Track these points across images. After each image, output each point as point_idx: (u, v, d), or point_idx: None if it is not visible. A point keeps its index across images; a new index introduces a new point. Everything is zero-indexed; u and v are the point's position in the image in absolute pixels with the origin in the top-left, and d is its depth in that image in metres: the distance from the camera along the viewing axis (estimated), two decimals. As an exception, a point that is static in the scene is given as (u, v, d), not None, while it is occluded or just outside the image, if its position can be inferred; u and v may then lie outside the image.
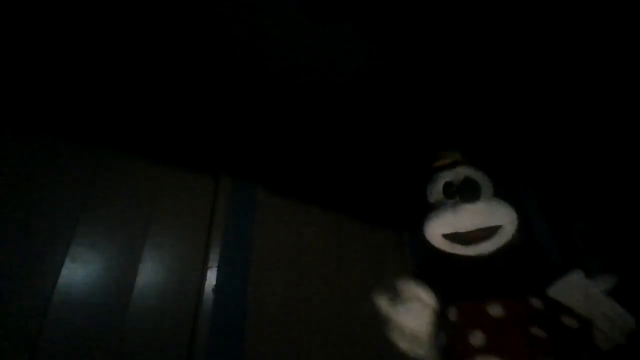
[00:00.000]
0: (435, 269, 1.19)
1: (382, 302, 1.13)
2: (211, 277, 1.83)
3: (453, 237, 1.10)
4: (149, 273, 1.71)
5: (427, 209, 1.18)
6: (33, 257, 1.49)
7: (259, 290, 1.94)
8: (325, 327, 2.07)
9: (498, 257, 1.08)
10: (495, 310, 1.01)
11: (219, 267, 1.86)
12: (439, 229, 1.11)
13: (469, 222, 1.08)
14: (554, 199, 2.14)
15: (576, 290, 1.00)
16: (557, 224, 2.09)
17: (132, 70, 1.75)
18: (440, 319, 1.09)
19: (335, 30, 1.60)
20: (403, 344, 1.09)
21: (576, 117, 1.99)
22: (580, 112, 1.97)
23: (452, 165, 1.24)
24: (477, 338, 0.99)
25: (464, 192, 1.12)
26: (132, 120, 1.97)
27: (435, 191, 1.19)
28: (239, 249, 1.98)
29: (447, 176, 1.20)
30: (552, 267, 1.11)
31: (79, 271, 1.56)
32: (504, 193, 1.22)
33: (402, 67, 1.78)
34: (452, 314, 1.07)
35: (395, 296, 1.12)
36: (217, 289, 1.81)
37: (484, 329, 1.00)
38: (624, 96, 1.84)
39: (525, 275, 1.08)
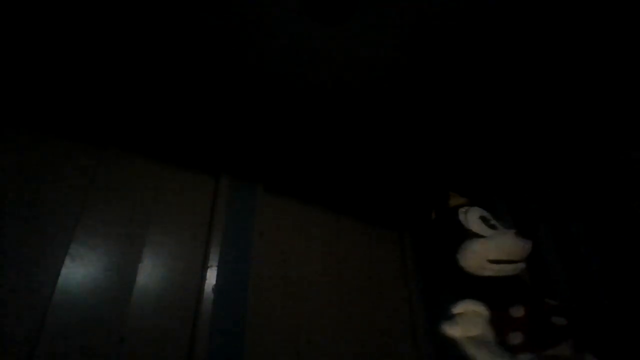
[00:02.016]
0: (472, 287, 1.34)
1: (453, 329, 1.24)
2: (211, 277, 1.83)
3: (498, 261, 1.25)
4: (149, 273, 1.71)
5: (462, 236, 1.31)
6: (33, 257, 1.49)
7: (259, 290, 1.95)
8: (325, 327, 2.07)
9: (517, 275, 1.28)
10: (517, 312, 1.18)
11: (219, 267, 1.86)
12: (490, 254, 1.25)
13: (524, 253, 1.26)
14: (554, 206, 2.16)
15: None
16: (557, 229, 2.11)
17: (133, 70, 1.75)
18: (502, 321, 1.21)
19: (336, 30, 1.60)
20: (476, 354, 1.19)
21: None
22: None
23: (469, 204, 1.41)
24: (515, 338, 1.13)
25: (522, 229, 1.29)
26: (132, 120, 1.97)
27: (474, 222, 1.33)
28: (239, 249, 1.98)
29: (477, 212, 1.36)
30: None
31: (79, 271, 1.56)
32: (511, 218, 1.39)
33: (402, 67, 1.78)
34: (518, 311, 1.20)
35: (455, 317, 1.25)
36: (217, 288, 1.81)
37: (517, 329, 1.15)
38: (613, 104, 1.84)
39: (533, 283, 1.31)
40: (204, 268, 1.84)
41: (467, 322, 1.20)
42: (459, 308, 1.24)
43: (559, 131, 2.09)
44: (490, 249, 1.24)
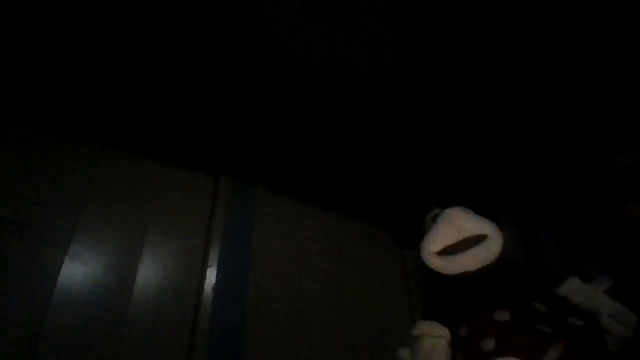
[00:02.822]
0: (440, 299, 1.27)
1: (404, 355, 1.20)
2: (211, 277, 1.82)
3: (445, 252, 1.16)
4: (149, 273, 1.71)
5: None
6: (33, 256, 1.49)
7: (259, 290, 1.94)
8: (325, 327, 2.07)
9: (497, 272, 1.15)
10: (502, 316, 1.07)
11: (219, 267, 1.86)
12: (431, 247, 1.18)
13: (450, 233, 1.15)
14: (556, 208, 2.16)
15: (578, 294, 1.05)
16: (558, 230, 2.11)
17: (133, 69, 1.75)
18: (455, 342, 1.15)
19: (337, 30, 1.60)
20: None
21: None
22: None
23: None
24: (488, 344, 1.04)
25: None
26: (132, 119, 1.97)
27: (427, 223, 1.30)
28: (239, 249, 1.98)
29: (435, 212, 1.31)
30: (552, 276, 1.17)
31: (78, 271, 1.56)
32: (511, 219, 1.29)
33: (402, 67, 1.78)
34: (463, 330, 1.13)
35: (411, 339, 1.20)
36: (217, 288, 1.81)
37: (494, 335, 1.05)
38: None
39: (526, 284, 1.15)
40: (204, 268, 1.84)
41: (422, 347, 1.15)
42: (416, 330, 1.19)
43: (559, 132, 2.09)
44: (429, 241, 1.18)
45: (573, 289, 1.07)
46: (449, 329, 1.17)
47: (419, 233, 1.33)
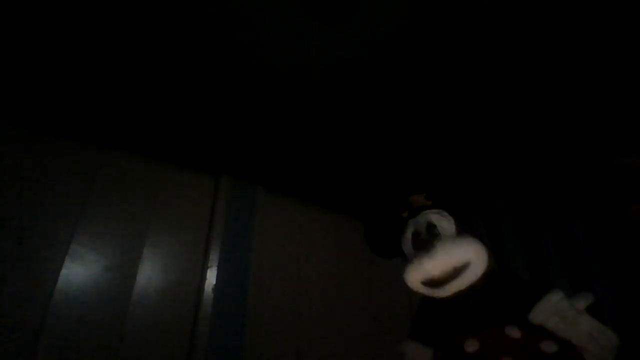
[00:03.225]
0: (425, 318, 1.27)
1: None
2: (211, 277, 1.83)
3: (429, 283, 1.14)
4: (149, 273, 1.71)
5: (404, 259, 1.24)
6: (33, 257, 1.49)
7: (259, 290, 1.94)
8: (325, 327, 2.07)
9: (475, 291, 1.12)
10: (471, 346, 1.05)
11: (219, 267, 1.86)
12: (414, 278, 1.15)
13: (436, 268, 1.12)
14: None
15: (553, 313, 1.01)
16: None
17: (133, 69, 1.75)
18: (453, 355, 1.13)
19: (337, 30, 1.60)
20: None
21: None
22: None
23: (417, 211, 1.29)
24: None
25: (423, 243, 1.17)
26: (132, 120, 1.97)
27: (406, 243, 1.26)
28: (239, 249, 1.98)
29: (413, 226, 1.26)
30: (531, 290, 1.13)
31: (78, 271, 1.56)
32: (484, 225, 1.24)
33: (403, 67, 1.78)
34: (438, 356, 1.13)
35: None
36: (217, 288, 1.81)
37: None
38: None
39: (502, 304, 1.12)
40: (204, 268, 1.84)
41: None
42: (402, 349, 1.20)
43: (560, 131, 2.09)
44: (411, 272, 1.15)
45: (545, 311, 1.02)
46: (432, 350, 1.17)
47: (392, 240, 1.30)
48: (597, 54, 1.69)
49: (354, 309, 2.23)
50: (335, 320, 2.13)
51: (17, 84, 1.73)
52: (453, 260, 1.11)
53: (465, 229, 1.22)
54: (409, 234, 1.26)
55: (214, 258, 1.87)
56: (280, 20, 1.56)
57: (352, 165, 2.42)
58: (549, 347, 0.98)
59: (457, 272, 1.10)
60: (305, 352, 1.94)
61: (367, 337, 2.19)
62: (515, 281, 1.22)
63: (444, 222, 1.22)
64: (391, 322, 2.33)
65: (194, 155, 2.12)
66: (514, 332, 1.03)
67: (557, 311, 1.01)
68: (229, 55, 1.71)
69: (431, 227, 1.22)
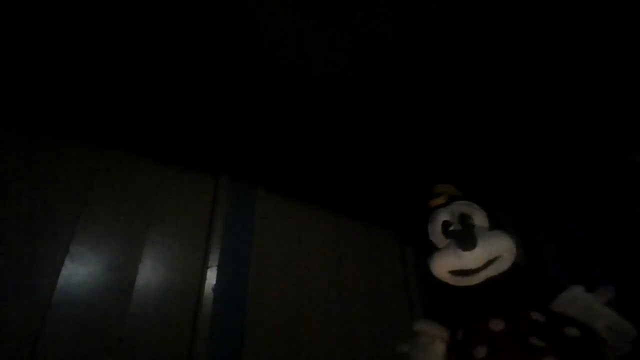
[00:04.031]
0: (442, 301, 1.29)
1: (403, 349, 1.23)
2: (211, 277, 1.83)
3: (457, 273, 1.18)
4: (149, 273, 1.71)
5: (430, 247, 1.26)
6: (33, 257, 1.49)
7: (259, 290, 1.94)
8: (325, 327, 2.07)
9: (501, 279, 1.15)
10: (497, 325, 1.07)
11: (218, 267, 1.86)
12: (444, 267, 1.18)
13: (471, 263, 1.15)
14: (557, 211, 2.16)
15: (576, 305, 1.06)
16: (558, 229, 2.10)
17: (133, 70, 1.75)
18: (451, 345, 1.17)
19: (336, 30, 1.60)
20: None
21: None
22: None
23: (447, 202, 1.31)
24: (479, 352, 1.05)
25: (462, 239, 1.18)
26: (133, 120, 1.97)
27: (435, 232, 1.26)
28: (239, 249, 1.98)
29: (443, 215, 1.27)
30: (555, 283, 1.17)
31: (79, 271, 1.56)
32: (511, 219, 1.28)
33: (403, 67, 1.78)
34: (459, 334, 1.15)
35: (412, 338, 1.22)
36: (217, 288, 1.81)
37: (486, 343, 1.06)
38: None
39: (527, 291, 1.15)
40: (204, 268, 1.84)
41: (422, 341, 1.17)
42: (416, 326, 1.22)
43: (559, 131, 2.08)
44: (441, 262, 1.17)
45: (568, 301, 1.07)
46: (449, 330, 1.19)
47: (421, 229, 1.31)
48: (600, 54, 1.69)
49: (354, 309, 2.23)
50: (335, 320, 2.13)
51: (18, 85, 1.73)
52: (490, 254, 1.14)
53: (493, 221, 1.25)
54: (438, 222, 1.26)
55: (214, 258, 1.87)
56: (281, 21, 1.56)
57: (351, 164, 2.42)
58: (572, 332, 1.02)
59: (489, 263, 1.14)
60: (305, 352, 1.94)
61: (367, 337, 2.19)
62: (540, 274, 1.26)
63: (477, 215, 1.24)
64: (391, 322, 2.33)
65: (194, 155, 2.12)
66: (538, 317, 1.07)
67: (579, 303, 1.05)
68: (229, 56, 1.71)
69: (465, 217, 1.23)
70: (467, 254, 1.13)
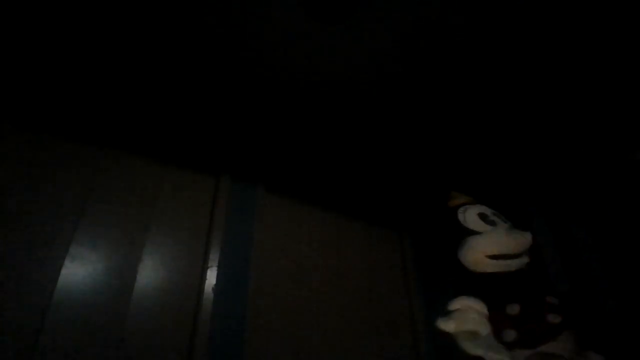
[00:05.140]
0: (470, 287, 1.38)
1: (447, 325, 1.29)
2: (211, 277, 1.83)
3: (499, 257, 1.28)
4: (149, 273, 1.71)
5: (461, 234, 1.35)
6: (33, 257, 1.49)
7: (259, 290, 1.95)
8: (325, 328, 2.07)
9: (522, 270, 1.29)
10: (512, 310, 1.21)
11: (219, 267, 1.86)
12: (489, 248, 1.28)
13: (521, 246, 1.28)
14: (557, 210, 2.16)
15: None
16: (559, 233, 2.11)
17: (134, 70, 1.75)
18: (498, 318, 1.25)
19: (337, 29, 1.60)
20: (473, 348, 1.24)
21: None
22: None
23: (470, 203, 1.45)
24: (509, 335, 1.17)
25: (507, 221, 1.34)
26: (133, 120, 1.97)
27: (472, 220, 1.37)
28: (239, 249, 1.98)
29: (477, 209, 1.40)
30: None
31: (79, 271, 1.56)
32: (511, 219, 1.48)
33: (403, 66, 1.78)
34: (513, 309, 1.24)
35: (451, 313, 1.30)
36: (217, 288, 1.81)
37: (512, 327, 1.19)
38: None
39: (541, 282, 1.31)
40: (204, 268, 1.84)
41: (463, 317, 1.23)
42: (455, 304, 1.28)
43: (561, 132, 2.08)
44: (487, 244, 1.27)
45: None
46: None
47: (438, 226, 1.43)
48: (602, 55, 1.68)
49: (354, 308, 2.23)
50: (335, 319, 2.13)
51: (17, 84, 1.73)
52: (526, 242, 1.28)
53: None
54: (473, 213, 1.38)
55: (214, 258, 1.87)
56: (281, 21, 1.56)
57: (351, 164, 2.42)
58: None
59: (522, 252, 1.28)
60: (305, 352, 1.94)
61: (367, 337, 2.19)
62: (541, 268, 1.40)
63: (500, 215, 1.40)
64: (391, 322, 2.33)
65: (194, 155, 2.12)
66: (553, 300, 1.21)
67: None
68: (229, 56, 1.71)
69: (497, 214, 1.39)
70: (521, 237, 1.26)
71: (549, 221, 2.17)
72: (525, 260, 1.28)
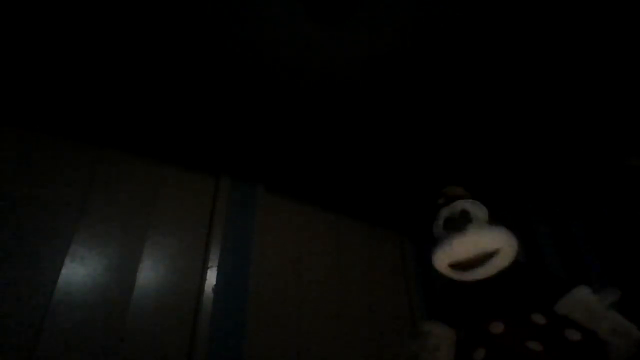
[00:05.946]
0: (448, 300, 1.31)
1: (410, 348, 1.25)
2: (211, 277, 1.83)
3: (456, 266, 1.19)
4: (149, 273, 1.72)
5: (434, 243, 1.28)
6: (33, 257, 1.49)
7: (259, 290, 1.95)
8: (325, 327, 2.07)
9: (503, 278, 1.16)
10: (496, 328, 1.08)
11: (219, 267, 1.87)
12: (443, 260, 1.20)
13: (463, 250, 1.15)
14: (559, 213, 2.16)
15: (580, 306, 1.06)
16: (559, 232, 2.10)
17: (133, 69, 1.75)
18: (457, 345, 1.19)
19: (337, 29, 1.60)
20: None
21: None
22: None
23: (452, 199, 1.34)
24: (478, 354, 1.07)
25: (455, 224, 1.21)
26: (132, 120, 1.97)
27: (437, 226, 1.30)
28: (239, 249, 1.98)
29: (446, 212, 1.30)
30: (559, 283, 1.17)
31: (79, 271, 1.56)
32: (511, 218, 1.32)
33: (403, 66, 1.78)
34: (461, 335, 1.17)
35: (418, 336, 1.25)
36: (217, 289, 1.81)
37: (485, 346, 1.07)
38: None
39: (530, 292, 1.16)
40: (204, 268, 1.84)
41: (431, 343, 1.19)
42: (425, 327, 1.24)
43: (560, 133, 2.08)
44: (442, 254, 1.18)
45: (573, 304, 1.07)
46: (455, 330, 1.20)
47: (429, 228, 1.35)
48: (602, 56, 1.69)
49: (354, 308, 2.23)
50: (335, 320, 2.13)
51: (17, 84, 1.73)
52: (482, 242, 1.14)
53: (498, 221, 1.26)
54: (441, 219, 1.30)
55: (214, 258, 1.88)
56: (281, 21, 1.56)
57: (351, 164, 2.42)
58: (573, 335, 1.02)
59: (487, 257, 1.14)
60: (305, 352, 1.94)
61: (367, 337, 2.19)
62: (543, 273, 1.26)
63: (478, 210, 1.26)
64: (391, 322, 2.33)
65: (194, 155, 2.12)
66: (539, 319, 1.07)
67: (583, 305, 1.05)
68: (229, 56, 1.71)
69: (465, 213, 1.25)
70: (455, 240, 1.14)
71: (549, 221, 2.17)
72: (483, 272, 1.14)
